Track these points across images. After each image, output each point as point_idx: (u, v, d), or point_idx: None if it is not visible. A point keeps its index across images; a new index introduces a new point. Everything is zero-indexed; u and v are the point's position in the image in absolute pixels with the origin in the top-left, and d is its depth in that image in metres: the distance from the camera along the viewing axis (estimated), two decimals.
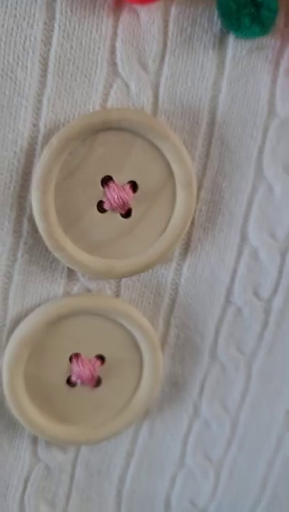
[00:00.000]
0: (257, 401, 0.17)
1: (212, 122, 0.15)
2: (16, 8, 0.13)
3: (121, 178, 0.14)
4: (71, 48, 0.14)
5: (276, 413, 0.17)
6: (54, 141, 0.13)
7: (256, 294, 0.16)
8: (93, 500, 0.17)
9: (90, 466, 0.16)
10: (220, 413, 0.17)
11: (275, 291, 0.16)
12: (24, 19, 0.13)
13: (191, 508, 0.18)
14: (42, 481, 0.16)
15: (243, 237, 0.16)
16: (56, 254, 0.14)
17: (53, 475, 0.16)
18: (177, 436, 0.17)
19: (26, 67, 0.13)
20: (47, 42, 0.13)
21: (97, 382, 0.15)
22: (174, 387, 0.16)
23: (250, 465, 0.18)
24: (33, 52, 0.13)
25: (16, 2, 0.13)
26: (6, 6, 0.13)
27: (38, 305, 0.15)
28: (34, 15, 0.13)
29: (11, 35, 0.13)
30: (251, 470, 0.18)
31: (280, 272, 0.16)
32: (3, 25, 0.13)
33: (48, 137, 0.14)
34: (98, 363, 0.15)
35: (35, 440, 0.16)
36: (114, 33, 0.14)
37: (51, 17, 0.13)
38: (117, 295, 0.15)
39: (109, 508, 0.17)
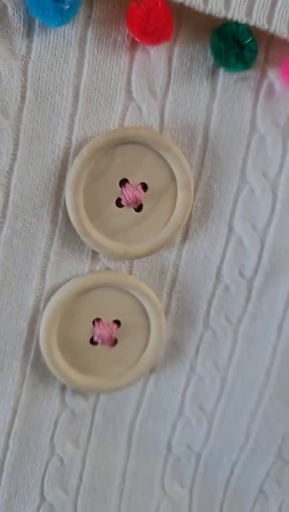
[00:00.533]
0: (242, 361, 0.21)
1: (206, 137, 0.18)
2: (55, 48, 0.17)
3: (134, 181, 0.18)
4: (97, 79, 0.17)
5: (257, 371, 0.21)
6: (83, 152, 0.17)
7: (241, 273, 0.20)
8: (109, 442, 0.20)
9: (107, 413, 0.20)
10: (212, 371, 0.21)
11: (255, 271, 0.20)
12: (61, 56, 0.17)
13: (188, 452, 0.22)
14: (68, 423, 0.20)
15: (230, 228, 0.19)
16: (84, 239, 0.18)
17: (77, 419, 0.20)
18: (177, 390, 0.20)
19: (62, 94, 0.17)
20: (78, 74, 0.17)
21: (114, 342, 0.19)
22: (174, 349, 0.20)
23: (236, 416, 0.21)
24: (68, 82, 0.17)
25: (56, 43, 0.17)
26: (48, 47, 0.17)
27: (69, 279, 0.18)
28: (69, 53, 0.17)
29: (51, 69, 0.17)
30: (237, 420, 0.21)
31: (260, 257, 0.20)
32: (45, 61, 0.17)
33: (78, 149, 0.17)
34: (115, 326, 0.19)
35: (63, 389, 0.19)
36: (130, 68, 0.18)
37: (82, 55, 0.17)
38: (130, 273, 0.19)
39: (121, 450, 0.21)
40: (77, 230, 0.17)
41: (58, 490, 0.20)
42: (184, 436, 0.21)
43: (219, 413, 0.21)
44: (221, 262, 0.20)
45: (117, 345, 0.19)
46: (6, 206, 0.17)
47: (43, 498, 0.20)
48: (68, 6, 0.16)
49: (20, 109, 0.17)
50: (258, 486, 0.23)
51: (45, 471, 0.19)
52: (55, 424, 0.19)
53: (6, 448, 0.19)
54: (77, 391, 0.19)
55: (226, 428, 0.21)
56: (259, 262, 0.20)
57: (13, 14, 0.16)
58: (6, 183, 0.17)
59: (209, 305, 0.20)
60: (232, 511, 0.23)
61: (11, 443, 0.19)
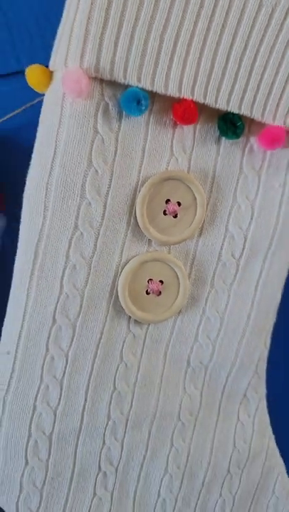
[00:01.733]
0: (233, 309, 0.33)
1: (213, 176, 0.31)
2: (134, 127, 0.30)
3: (173, 200, 0.31)
4: (154, 143, 0.30)
5: (242, 315, 0.33)
6: (146, 185, 0.30)
7: (233, 256, 0.32)
8: (153, 356, 0.33)
9: (153, 337, 0.33)
10: (215, 314, 0.33)
11: (241, 255, 0.33)
12: (136, 131, 0.30)
13: (200, 366, 0.34)
14: (130, 342, 0.32)
15: (226, 229, 0.32)
16: (144, 233, 0.31)
17: (135, 339, 0.32)
18: (193, 325, 0.34)
19: (136, 152, 0.30)
20: (145, 140, 0.30)
21: (159, 293, 0.32)
22: (192, 299, 0.33)
23: (229, 343, 0.34)
24: (139, 145, 0.30)
25: (134, 124, 0.30)
26: (130, 126, 0.30)
27: (134, 256, 0.31)
28: (140, 129, 0.30)
29: (130, 138, 0.30)
30: (230, 346, 0.34)
31: (244, 246, 0.32)
32: (128, 134, 0.30)
33: (143, 183, 0.30)
34: (160, 284, 0.32)
35: (129, 320, 0.31)
36: (172, 137, 0.31)
37: (146, 130, 0.30)
38: (169, 252, 0.32)
39: (160, 361, 0.33)
40: (141, 227, 0.30)
41: (123, 384, 0.33)
42: (197, 355, 0.34)
43: (219, 341, 0.34)
44: (221, 248, 0.32)
45: (161, 295, 0.32)
46: (104, 214, 0.30)
47: (114, 388, 0.33)
48: (144, 107, 0.29)
49: (113, 159, 0.30)
50: (243, 392, 0.36)
51: (116, 370, 0.32)
52: (123, 341, 0.32)
53: (95, 355, 0.32)
54: (137, 322, 0.32)
55: (223, 351, 0.34)
56: (243, 249, 0.33)
57: (112, 108, 0.29)
58: (104, 201, 0.30)
59: (214, 274, 0.33)
60: (226, 409, 0.36)
61: (99, 352, 0.32)
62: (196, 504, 0.35)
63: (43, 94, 0.31)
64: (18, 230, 0.32)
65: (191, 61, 0.28)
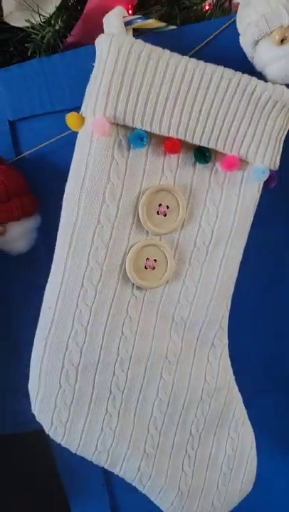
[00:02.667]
0: (204, 280, 0.47)
1: (191, 188, 0.46)
2: (137, 155, 0.45)
3: (164, 204, 0.46)
4: (151, 166, 0.45)
5: (210, 285, 0.47)
6: (146, 194, 0.45)
7: (204, 243, 0.46)
8: (149, 313, 0.47)
9: (149, 299, 0.47)
10: (191, 284, 0.47)
11: (210, 242, 0.47)
12: (139, 157, 0.45)
13: (180, 320, 0.49)
14: (133, 302, 0.47)
15: (200, 224, 0.47)
16: (144, 226, 0.45)
17: (137, 300, 0.47)
18: (176, 290, 0.48)
19: (138, 172, 0.45)
20: (144, 165, 0.45)
21: (153, 268, 0.46)
22: (176, 273, 0.47)
23: (202, 305, 0.47)
24: (140, 168, 0.45)
25: (138, 153, 0.44)
26: (135, 154, 0.45)
27: (137, 242, 0.45)
28: (142, 156, 0.45)
29: (135, 162, 0.45)
30: (202, 306, 0.47)
31: (211, 237, 0.47)
32: (133, 159, 0.44)
33: (144, 192, 0.45)
34: (154, 262, 0.46)
35: (133, 286, 0.44)
36: (164, 162, 0.45)
37: (146, 156, 0.45)
38: (160, 240, 0.46)
39: (153, 317, 0.48)
40: (142, 223, 0.45)
41: (128, 331, 0.47)
42: (179, 313, 0.48)
43: (194, 303, 0.48)
44: (196, 238, 0.47)
45: (155, 270, 0.46)
46: (117, 213, 0.44)
47: (122, 333, 0.46)
48: (145, 142, 0.43)
49: (124, 177, 0.44)
50: (211, 341, 0.50)
51: (123, 321, 0.46)
52: (128, 301, 0.46)
53: (109, 310, 0.46)
54: (138, 287, 0.46)
55: (197, 310, 0.48)
56: (211, 239, 0.47)
57: (124, 143, 0.44)
58: (117, 204, 0.44)
59: (191, 255, 0.47)
60: (199, 352, 0.50)
61: (112, 308, 0.45)
62: (178, 421, 0.49)
63: (69, 129, 0.46)
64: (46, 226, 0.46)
65: (176, 113, 0.43)
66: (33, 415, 0.48)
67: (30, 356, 0.47)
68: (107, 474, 0.67)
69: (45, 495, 0.73)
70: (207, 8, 0.58)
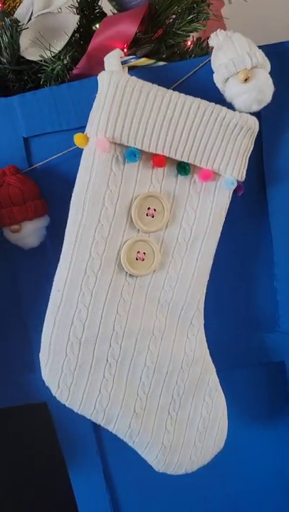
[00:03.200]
0: (184, 267, 0.58)
1: (174, 196, 0.57)
2: (131, 168, 0.55)
3: (152, 208, 0.56)
4: (142, 177, 0.56)
5: (189, 271, 0.57)
6: (138, 199, 0.55)
7: (184, 239, 0.57)
8: (139, 295, 0.58)
9: (139, 285, 0.57)
10: (174, 273, 0.58)
11: (189, 239, 0.57)
12: (133, 171, 0.55)
13: (165, 302, 0.59)
14: (126, 287, 0.57)
15: (180, 225, 0.57)
16: (136, 225, 0.55)
17: (129, 285, 0.57)
18: (162, 276, 0.58)
19: (132, 183, 0.55)
20: (137, 175, 0.56)
21: (143, 260, 0.57)
22: (162, 264, 0.58)
23: (182, 288, 0.58)
24: (134, 178, 0.55)
25: (132, 168, 0.55)
26: (130, 168, 0.55)
27: (130, 238, 0.56)
28: (135, 168, 0.55)
29: (130, 175, 0.55)
30: (183, 289, 0.58)
31: (190, 234, 0.57)
32: (128, 172, 0.55)
33: (136, 198, 0.56)
34: (144, 254, 0.57)
35: (126, 274, 0.54)
36: (152, 173, 0.56)
37: (138, 169, 0.55)
38: (149, 236, 0.57)
39: (142, 300, 0.58)
40: (134, 222, 0.55)
41: (122, 310, 0.57)
42: (164, 296, 0.58)
43: (176, 289, 0.58)
44: (178, 235, 0.57)
45: (144, 261, 0.56)
46: (114, 214, 0.54)
47: (117, 312, 0.57)
48: (137, 158, 0.54)
49: (120, 185, 0.54)
50: (190, 320, 0.61)
51: (118, 303, 0.57)
52: (122, 286, 0.56)
53: (107, 293, 0.56)
54: (130, 275, 0.57)
55: (178, 295, 0.59)
56: (190, 236, 0.57)
57: (120, 158, 0.54)
58: (114, 207, 0.55)
59: (173, 250, 0.57)
60: (180, 330, 0.60)
61: (109, 291, 0.56)
62: (162, 387, 0.60)
63: (74, 145, 0.56)
64: (53, 225, 0.56)
65: (162, 134, 0.54)
66: (38, 389, 0.59)
67: (37, 332, 0.57)
68: (100, 443, 0.77)
69: (46, 460, 0.83)
70: (189, 43, 0.69)
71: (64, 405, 0.58)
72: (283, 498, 0.78)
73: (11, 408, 0.75)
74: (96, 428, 0.74)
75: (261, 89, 0.53)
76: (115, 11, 0.64)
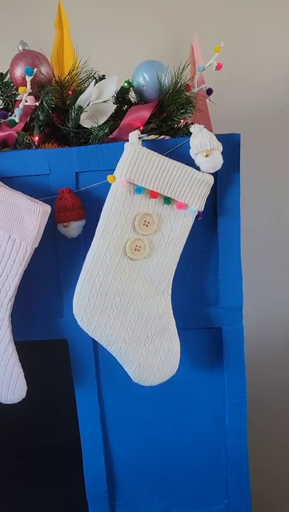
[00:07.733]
0: (164, 256, 0.99)
1: (159, 217, 0.98)
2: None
3: (147, 220, 0.97)
4: (144, 202, 0.97)
5: (166, 261, 0.99)
6: (139, 215, 0.96)
7: (164, 241, 0.97)
8: (135, 273, 0.98)
9: (136, 265, 0.97)
10: (156, 260, 0.97)
11: (166, 242, 0.98)
12: (138, 200, 0.96)
13: (149, 278, 1.00)
14: (125, 266, 0.98)
15: (162, 233, 0.98)
16: (136, 230, 0.96)
17: (127, 266, 0.98)
18: (148, 262, 0.99)
19: (135, 206, 0.96)
20: (141, 200, 0.96)
21: (138, 250, 0.97)
22: (148, 254, 0.97)
23: (165, 273, 0.99)
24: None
25: (137, 197, 0.96)
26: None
27: (132, 237, 0.96)
28: (141, 197, 0.96)
29: (124, 205, 0.96)
30: (166, 274, 0.99)
31: (167, 240, 0.98)
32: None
33: (138, 214, 0.96)
34: (140, 247, 0.97)
35: (129, 258, 0.97)
36: (149, 200, 0.97)
37: (141, 198, 0.96)
38: (143, 237, 0.98)
39: (136, 275, 0.98)
40: (136, 228, 0.95)
41: (124, 280, 0.97)
42: (148, 273, 0.97)
43: (156, 269, 0.98)
44: (160, 238, 0.96)
45: (139, 251, 0.96)
46: (124, 223, 0.94)
47: (120, 280, 0.97)
48: (142, 192, 0.95)
49: (130, 206, 0.94)
50: (162, 289, 0.99)
51: (121, 275, 0.97)
52: (125, 265, 0.96)
53: (115, 269, 0.96)
54: (130, 259, 0.96)
55: (157, 273, 0.98)
56: (167, 240, 0.95)
57: (133, 191, 0.95)
58: (125, 219, 0.95)
59: (157, 246, 0.96)
60: (156, 295, 1.00)
61: (117, 268, 0.95)
62: (142, 327, 0.99)
63: (106, 180, 0.97)
64: (86, 225, 0.97)
65: (157, 181, 0.95)
66: (63, 329, 0.99)
67: (67, 291, 0.98)
68: (98, 371, 1.16)
69: (59, 380, 1.24)
70: (182, 122, 1.11)
71: (77, 341, 0.99)
72: (217, 435, 1.02)
73: (44, 341, 1.15)
74: (96, 361, 1.04)
75: (215, 161, 0.94)
76: (137, 101, 1.05)
